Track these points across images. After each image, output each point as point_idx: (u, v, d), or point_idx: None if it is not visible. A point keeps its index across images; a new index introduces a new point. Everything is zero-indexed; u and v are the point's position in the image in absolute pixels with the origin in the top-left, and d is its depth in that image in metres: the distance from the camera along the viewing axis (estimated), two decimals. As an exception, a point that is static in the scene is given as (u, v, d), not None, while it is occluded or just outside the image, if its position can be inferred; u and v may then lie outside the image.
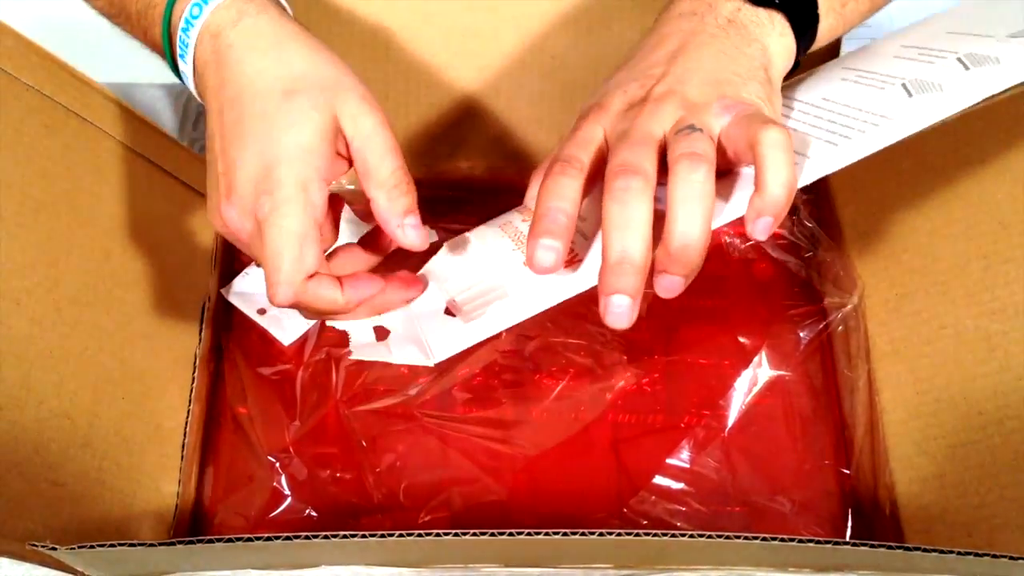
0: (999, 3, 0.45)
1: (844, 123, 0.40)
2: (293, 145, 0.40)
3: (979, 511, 0.46)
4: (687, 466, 0.54)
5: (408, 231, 0.42)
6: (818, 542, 0.36)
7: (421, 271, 0.48)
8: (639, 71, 0.41)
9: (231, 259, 0.61)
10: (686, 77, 0.40)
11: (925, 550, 0.36)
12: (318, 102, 0.40)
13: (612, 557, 0.41)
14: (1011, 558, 0.35)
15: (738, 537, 0.36)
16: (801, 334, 0.58)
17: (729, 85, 0.39)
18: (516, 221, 0.45)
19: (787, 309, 0.59)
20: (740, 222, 0.38)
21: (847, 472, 0.55)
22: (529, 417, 0.55)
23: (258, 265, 0.44)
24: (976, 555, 0.35)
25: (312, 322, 0.56)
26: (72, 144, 0.49)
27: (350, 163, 0.43)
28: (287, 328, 0.56)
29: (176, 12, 0.42)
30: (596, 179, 0.39)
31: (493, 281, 0.43)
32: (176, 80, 0.44)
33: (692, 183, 0.35)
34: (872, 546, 0.36)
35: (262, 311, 0.57)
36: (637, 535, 0.37)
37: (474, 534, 0.36)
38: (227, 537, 0.37)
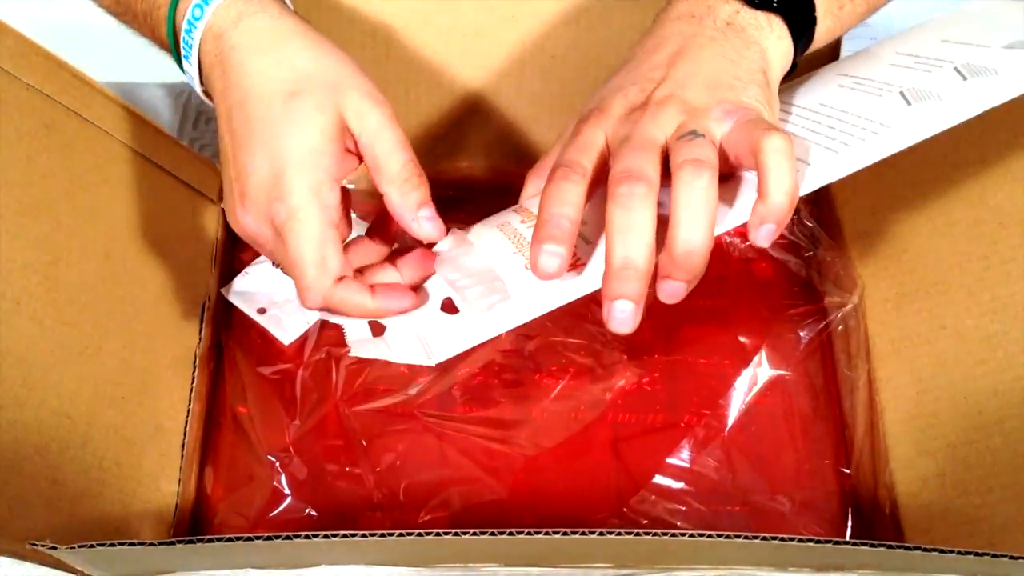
0: (992, 13, 0.45)
1: (843, 129, 0.40)
2: (300, 149, 0.40)
3: (979, 511, 0.46)
4: (687, 465, 0.54)
5: (423, 223, 0.43)
6: (818, 541, 0.36)
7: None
8: (639, 74, 0.41)
9: (231, 258, 0.61)
10: (686, 81, 0.40)
11: (925, 550, 0.36)
12: (322, 102, 0.40)
13: (612, 557, 0.41)
14: (1012, 557, 0.35)
15: (738, 537, 0.36)
16: (801, 334, 0.58)
17: (729, 89, 0.39)
18: (514, 222, 0.45)
19: (787, 308, 0.59)
20: (740, 224, 0.38)
21: (847, 472, 0.55)
22: (529, 416, 0.55)
23: (279, 267, 0.44)
24: (976, 555, 0.35)
25: (312, 322, 0.56)
26: (72, 144, 0.49)
27: (360, 159, 0.43)
28: (287, 327, 0.56)
29: (179, 13, 0.42)
30: (598, 184, 0.39)
31: (494, 282, 0.43)
32: (176, 79, 0.44)
33: (696, 189, 0.35)
34: (872, 546, 0.36)
35: (262, 310, 0.57)
36: (637, 534, 0.37)
37: (474, 533, 0.36)
38: (227, 536, 0.37)
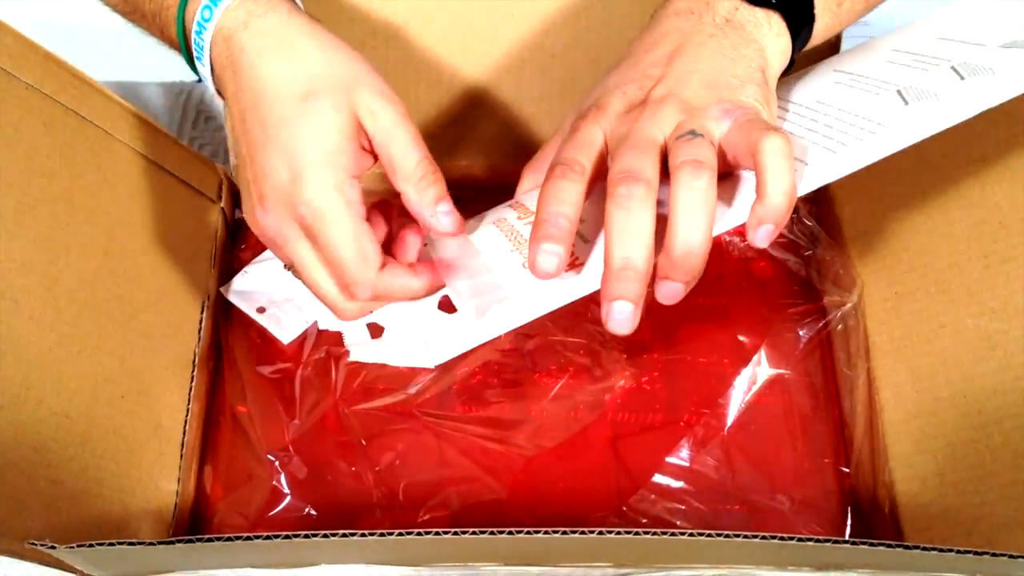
0: (988, 10, 0.45)
1: (841, 128, 0.40)
2: (319, 149, 0.40)
3: (979, 510, 0.47)
4: (686, 464, 0.54)
5: (442, 218, 0.43)
6: (817, 541, 0.36)
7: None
8: (637, 71, 0.41)
9: (231, 257, 0.61)
10: (685, 79, 0.40)
11: (924, 549, 0.36)
12: (337, 102, 0.40)
13: (611, 556, 0.41)
14: (1011, 556, 0.35)
15: (737, 536, 0.36)
16: (801, 332, 0.58)
17: (727, 88, 0.39)
18: (511, 218, 0.45)
19: (787, 307, 0.59)
20: (739, 224, 0.38)
21: (846, 471, 0.55)
22: (528, 416, 0.55)
23: (291, 269, 0.44)
24: (976, 554, 0.35)
25: (311, 321, 0.56)
26: (71, 143, 0.49)
27: (375, 158, 0.43)
28: (286, 327, 0.57)
29: (188, 15, 0.42)
30: (596, 181, 0.39)
31: (492, 281, 0.43)
32: (175, 79, 0.44)
33: (695, 190, 0.35)
34: (871, 545, 0.36)
35: (261, 309, 0.57)
36: (636, 534, 0.37)
37: (473, 533, 0.36)
38: (226, 536, 0.37)
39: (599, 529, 0.36)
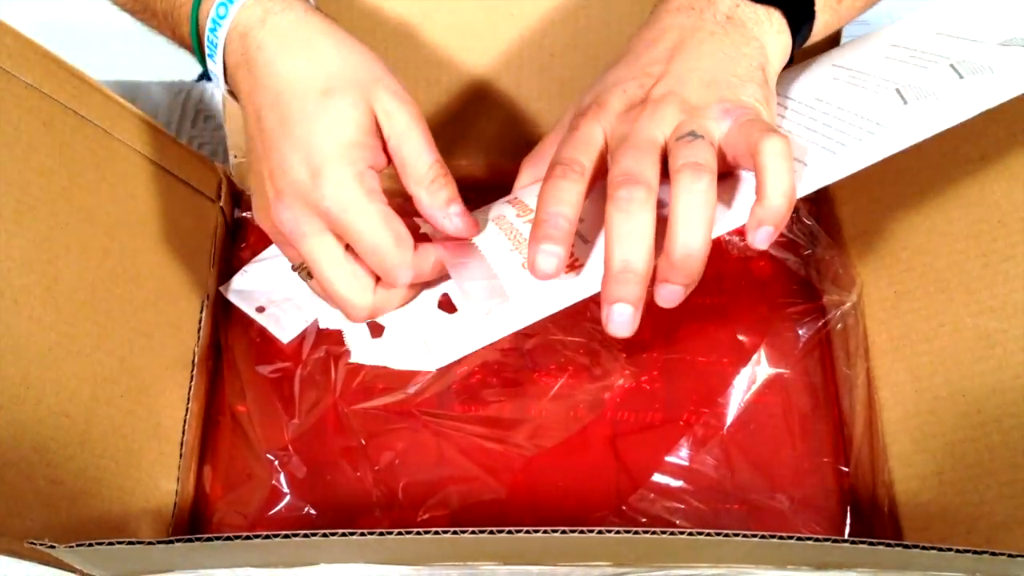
0: (984, 5, 0.45)
1: (840, 128, 0.40)
2: (338, 143, 0.40)
3: (978, 508, 0.47)
4: (686, 464, 0.54)
5: (455, 219, 0.43)
6: (817, 540, 0.36)
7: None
8: (638, 68, 0.41)
9: (230, 257, 0.61)
10: (685, 78, 0.39)
11: (924, 548, 0.36)
12: (355, 99, 0.41)
13: (611, 555, 0.41)
14: (1010, 555, 0.35)
15: (737, 535, 0.36)
16: (800, 332, 0.58)
17: (728, 87, 0.39)
18: (510, 216, 0.45)
19: (786, 307, 0.59)
20: (738, 226, 0.38)
21: (846, 470, 0.55)
22: (528, 415, 0.55)
23: (302, 270, 0.44)
24: (975, 553, 0.35)
25: (311, 320, 0.56)
26: (70, 142, 0.49)
27: (388, 159, 0.43)
28: (286, 326, 0.56)
29: (203, 12, 0.42)
30: (596, 180, 0.39)
31: (492, 282, 0.43)
32: (175, 78, 0.44)
33: (695, 193, 0.35)
34: (871, 544, 0.36)
35: (261, 309, 0.57)
36: (636, 533, 0.37)
37: (473, 532, 0.36)
38: (226, 535, 0.37)
39: (598, 528, 0.36)
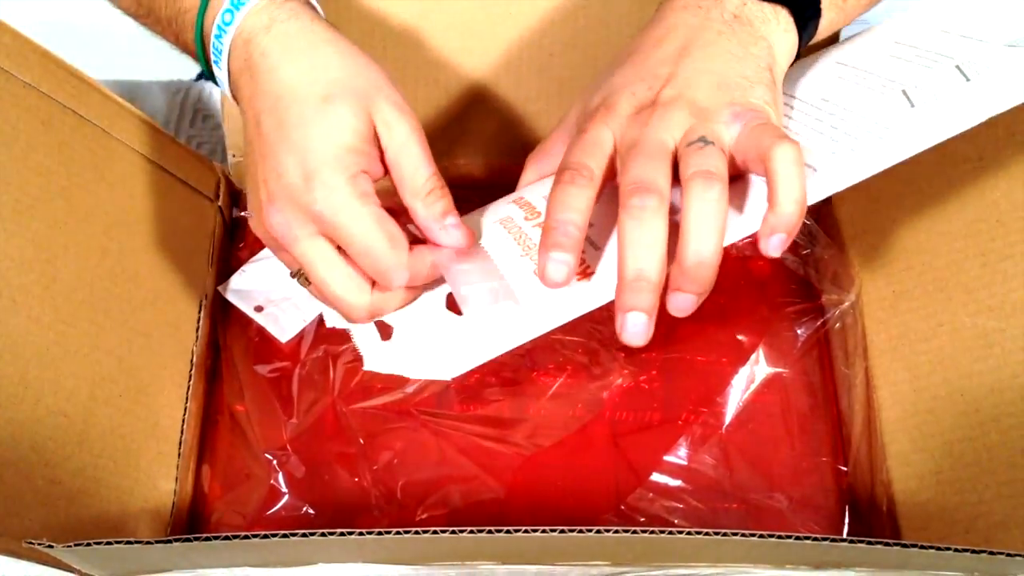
0: (988, 2, 0.45)
1: (847, 130, 0.40)
2: (332, 148, 0.40)
3: (976, 508, 0.47)
4: (684, 463, 0.54)
5: (451, 231, 0.43)
6: (815, 539, 0.36)
7: None
8: (646, 69, 0.41)
9: (228, 256, 0.61)
10: (694, 80, 0.39)
11: (922, 547, 0.36)
12: (355, 107, 0.41)
13: (609, 554, 0.41)
14: (1008, 555, 0.35)
15: (735, 534, 0.36)
16: (799, 331, 0.58)
17: (737, 89, 0.39)
18: (517, 219, 0.45)
19: (785, 306, 0.59)
20: (750, 234, 0.38)
21: (844, 469, 0.55)
22: (526, 415, 0.55)
23: (298, 276, 0.43)
24: (973, 552, 0.35)
25: (309, 320, 0.56)
26: (69, 141, 0.49)
27: (385, 170, 0.43)
28: (284, 325, 0.56)
29: (208, 18, 0.42)
30: (605, 184, 0.39)
31: (502, 289, 0.42)
32: (173, 77, 0.44)
33: (707, 202, 0.35)
34: (869, 543, 0.36)
35: (259, 308, 0.57)
36: (634, 532, 0.37)
37: (471, 531, 0.36)
38: (224, 535, 0.37)
39: (597, 528, 0.36)
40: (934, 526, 0.49)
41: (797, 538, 0.36)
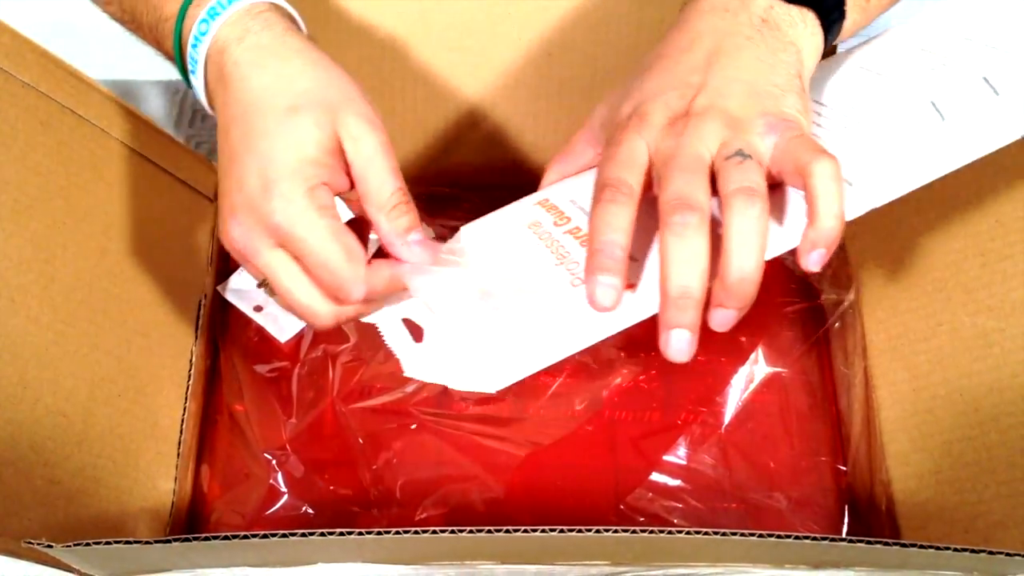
0: (1010, 7, 0.44)
1: (881, 143, 0.40)
2: (292, 159, 0.40)
3: (975, 507, 0.47)
4: (684, 463, 0.54)
5: (413, 248, 0.42)
6: (814, 539, 0.36)
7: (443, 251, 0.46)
8: (676, 78, 0.40)
9: (227, 256, 0.61)
10: (726, 89, 0.39)
11: (921, 546, 0.36)
12: (319, 119, 0.40)
13: (609, 554, 0.41)
14: (1007, 554, 0.35)
15: (734, 534, 0.36)
16: (798, 331, 0.58)
17: (769, 99, 0.39)
18: (546, 223, 0.44)
19: (784, 306, 0.59)
20: (790, 249, 0.38)
21: (843, 469, 0.55)
22: (526, 414, 0.55)
23: (264, 286, 0.43)
24: (972, 551, 0.35)
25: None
26: (68, 141, 0.49)
27: (352, 182, 0.42)
28: (283, 325, 0.56)
29: (185, 28, 0.42)
30: (643, 198, 0.39)
31: (540, 300, 0.42)
32: (172, 77, 0.44)
33: (750, 219, 0.35)
34: (868, 543, 0.36)
35: (258, 308, 0.57)
36: (633, 532, 0.37)
37: (470, 531, 0.36)
38: (223, 535, 0.37)
39: (596, 527, 0.36)
40: (933, 526, 0.49)
41: (796, 538, 0.36)
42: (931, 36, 0.45)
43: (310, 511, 0.53)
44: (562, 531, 0.36)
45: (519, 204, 0.47)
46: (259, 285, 0.44)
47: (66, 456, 0.45)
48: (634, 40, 0.56)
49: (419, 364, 0.44)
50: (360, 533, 0.36)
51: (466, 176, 0.62)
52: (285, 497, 0.53)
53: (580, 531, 0.36)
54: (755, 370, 0.56)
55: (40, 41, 0.47)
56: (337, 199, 0.42)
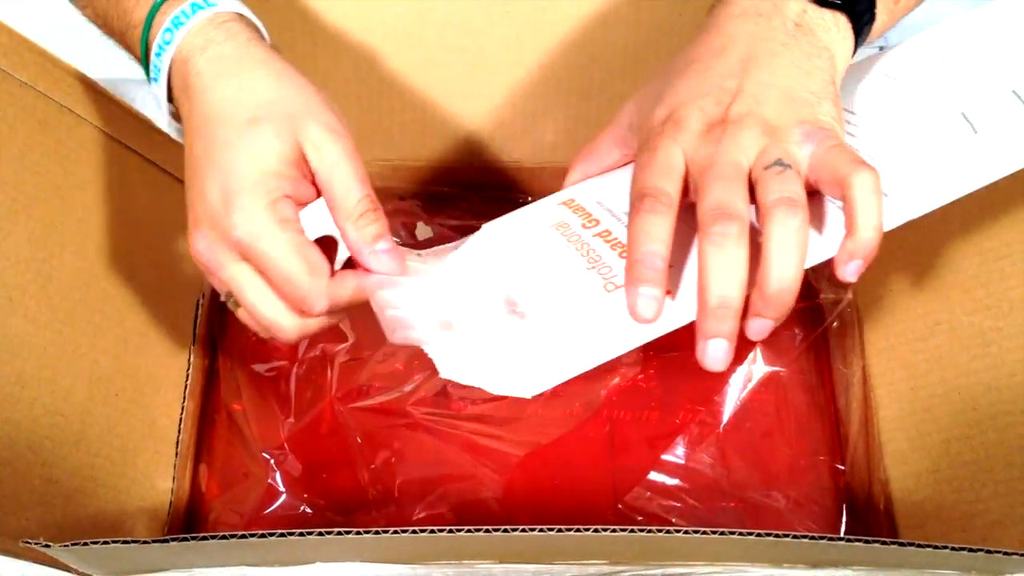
0: None
1: (915, 155, 0.39)
2: (253, 172, 0.39)
3: (973, 506, 0.47)
4: (682, 462, 0.54)
5: (381, 257, 0.41)
6: (812, 538, 0.36)
7: (465, 249, 0.45)
8: (711, 83, 0.40)
9: (226, 256, 0.61)
10: (763, 96, 0.39)
11: (919, 545, 0.36)
12: (280, 130, 0.40)
13: (607, 553, 0.41)
14: (1005, 553, 0.35)
15: (732, 533, 0.36)
16: (796, 330, 0.58)
17: (806, 106, 0.38)
18: (575, 225, 0.43)
19: (782, 305, 0.59)
20: (827, 259, 0.38)
21: (841, 468, 0.55)
22: (524, 413, 0.55)
23: (230, 300, 0.43)
24: (970, 550, 0.35)
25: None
26: (66, 140, 0.49)
27: (318, 191, 0.42)
28: (282, 325, 0.56)
29: (151, 36, 0.42)
30: (681, 206, 0.39)
31: (574, 304, 0.41)
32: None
33: (790, 230, 0.35)
34: (866, 542, 0.36)
35: (257, 308, 0.57)
36: (632, 531, 0.37)
37: (469, 530, 0.36)
38: (222, 534, 0.37)
39: (594, 527, 0.36)
40: (931, 524, 0.49)
41: (794, 537, 0.36)
42: (952, 46, 0.45)
43: (308, 510, 0.53)
44: (560, 530, 0.36)
45: (543, 203, 0.46)
46: (224, 298, 0.43)
47: (64, 456, 0.45)
48: (633, 40, 0.57)
49: (455, 366, 0.44)
50: (358, 532, 0.36)
51: (466, 176, 0.62)
52: (283, 496, 0.53)
53: (578, 530, 0.36)
54: (753, 369, 0.56)
55: (39, 40, 0.47)
56: (322, 210, 0.42)
